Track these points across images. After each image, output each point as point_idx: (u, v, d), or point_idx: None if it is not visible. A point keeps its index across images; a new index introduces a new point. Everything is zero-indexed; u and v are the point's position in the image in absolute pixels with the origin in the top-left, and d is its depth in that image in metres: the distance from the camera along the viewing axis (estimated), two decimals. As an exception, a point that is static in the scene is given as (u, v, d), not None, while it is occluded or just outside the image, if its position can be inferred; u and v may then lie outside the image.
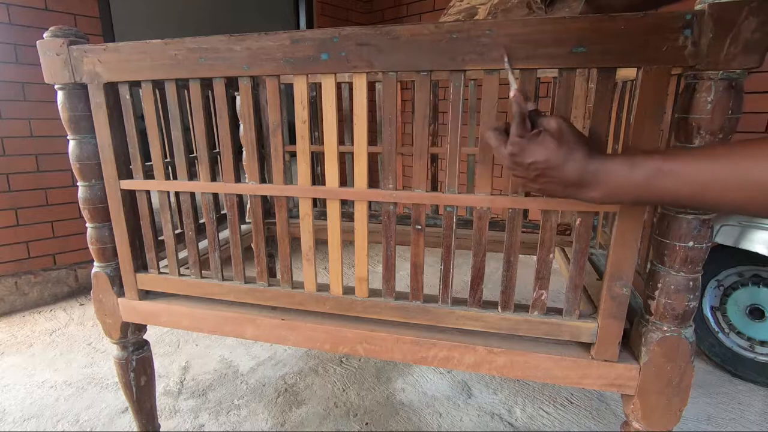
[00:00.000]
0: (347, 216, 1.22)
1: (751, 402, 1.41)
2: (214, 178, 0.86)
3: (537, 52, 0.60)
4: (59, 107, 0.85)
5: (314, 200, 0.82)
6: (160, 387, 1.44)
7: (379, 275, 2.33)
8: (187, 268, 0.93)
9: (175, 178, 0.91)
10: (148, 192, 0.90)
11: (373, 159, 1.24)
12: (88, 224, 0.92)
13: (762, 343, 1.49)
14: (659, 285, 0.65)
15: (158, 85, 0.85)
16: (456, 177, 0.72)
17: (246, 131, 0.80)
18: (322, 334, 0.85)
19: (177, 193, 0.94)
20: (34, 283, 2.08)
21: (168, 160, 1.01)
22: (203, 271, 0.92)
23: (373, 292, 0.83)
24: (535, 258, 0.73)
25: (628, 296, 0.67)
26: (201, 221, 0.96)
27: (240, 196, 0.93)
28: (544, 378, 0.75)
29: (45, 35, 0.81)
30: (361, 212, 0.78)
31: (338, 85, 0.84)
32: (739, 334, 1.53)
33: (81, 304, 2.12)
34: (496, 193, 0.69)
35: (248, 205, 1.44)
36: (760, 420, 1.33)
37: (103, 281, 0.94)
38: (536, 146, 0.54)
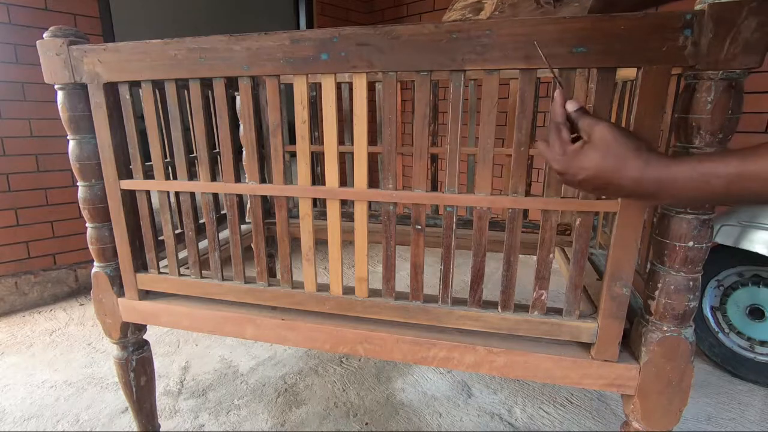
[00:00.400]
0: (347, 216, 1.22)
1: (751, 402, 1.41)
2: (214, 178, 0.86)
3: (537, 52, 0.60)
4: (59, 107, 0.85)
5: (314, 200, 0.82)
6: (160, 387, 1.44)
7: (379, 275, 2.33)
8: (187, 268, 0.93)
9: (175, 178, 0.91)
10: (148, 192, 0.90)
11: (373, 159, 1.24)
12: (88, 224, 0.92)
13: (762, 343, 1.48)
14: (659, 285, 0.65)
15: (158, 85, 0.85)
16: (456, 177, 0.72)
17: (246, 131, 0.80)
18: (322, 334, 0.85)
19: (177, 193, 0.94)
20: (34, 283, 2.08)
21: (168, 160, 1.01)
22: (203, 271, 0.92)
23: (373, 292, 0.83)
24: (535, 258, 0.73)
25: (628, 296, 0.67)
26: (201, 221, 0.96)
27: (240, 196, 0.93)
28: (544, 378, 0.75)
29: (45, 35, 0.81)
30: (361, 212, 0.78)
31: (338, 85, 0.84)
32: (739, 334, 1.53)
33: (81, 304, 2.12)
34: (496, 193, 0.69)
35: (248, 205, 1.44)
36: (760, 420, 1.33)
37: (103, 281, 0.94)
38: (582, 160, 0.50)
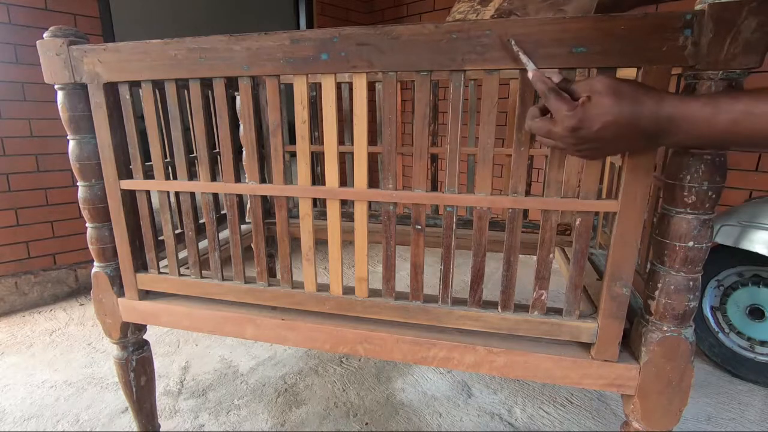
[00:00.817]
0: (347, 216, 1.22)
1: (751, 402, 1.41)
2: (214, 178, 0.86)
3: (537, 52, 0.60)
4: (59, 107, 0.85)
5: (314, 200, 0.82)
6: (160, 387, 1.44)
7: (379, 275, 2.33)
8: (187, 268, 0.93)
9: (175, 178, 0.91)
10: (148, 192, 0.90)
11: (373, 159, 1.24)
12: (88, 224, 0.92)
13: (762, 343, 1.48)
14: (659, 285, 0.65)
15: (158, 85, 0.85)
16: (456, 177, 0.72)
17: (246, 131, 0.80)
18: (322, 334, 0.85)
19: (177, 193, 0.94)
20: (34, 283, 2.08)
21: (168, 160, 1.01)
22: (203, 271, 0.92)
23: (373, 292, 0.83)
24: (535, 258, 0.73)
25: (628, 296, 0.67)
26: (201, 221, 0.96)
27: (240, 196, 0.93)
28: (544, 378, 0.75)
29: (45, 35, 0.81)
30: (361, 212, 0.78)
31: (338, 85, 0.85)
32: (739, 334, 1.53)
33: (81, 304, 2.12)
34: (496, 193, 0.69)
35: (248, 205, 1.44)
36: (760, 420, 1.33)
37: (103, 281, 0.94)
38: (595, 111, 0.48)
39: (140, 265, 0.94)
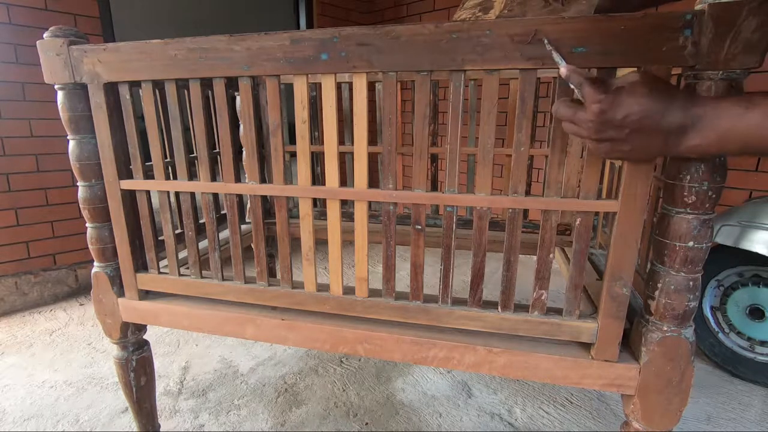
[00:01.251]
0: (347, 216, 1.22)
1: (751, 402, 1.41)
2: (214, 178, 0.86)
3: (537, 52, 0.60)
4: (59, 107, 0.85)
5: (314, 200, 0.82)
6: (160, 387, 1.44)
7: (379, 275, 2.33)
8: (187, 268, 0.93)
9: (175, 178, 0.91)
10: (148, 192, 0.90)
11: (373, 159, 1.24)
12: (88, 224, 0.92)
13: (762, 343, 1.48)
14: (659, 285, 0.65)
15: (158, 85, 0.85)
16: (456, 177, 0.72)
17: (246, 131, 0.80)
18: (322, 334, 0.85)
19: (177, 193, 0.94)
20: (34, 283, 2.08)
21: (168, 160, 1.01)
22: (203, 271, 0.92)
23: (373, 292, 0.83)
24: (535, 258, 0.73)
25: (628, 296, 0.67)
26: (201, 221, 0.96)
27: (240, 196, 0.93)
28: (544, 378, 0.75)
29: (45, 35, 0.81)
30: (361, 212, 0.78)
31: (338, 85, 0.85)
32: (739, 334, 1.53)
33: (81, 304, 2.12)
34: (496, 193, 0.69)
35: (248, 205, 1.44)
36: (760, 420, 1.32)
37: (103, 281, 0.94)
38: (627, 97, 0.49)
39: (140, 265, 0.94)
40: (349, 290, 0.84)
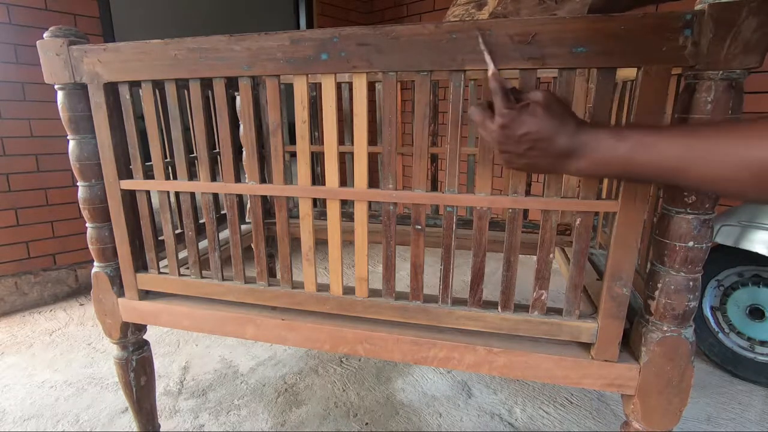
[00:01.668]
0: (347, 216, 1.22)
1: (751, 402, 1.41)
2: (214, 178, 0.86)
3: (537, 52, 0.60)
4: (59, 107, 0.85)
5: (314, 200, 0.82)
6: (160, 387, 1.44)
7: (379, 275, 2.32)
8: (187, 268, 0.93)
9: (175, 178, 0.91)
10: (148, 192, 0.90)
11: (373, 159, 1.24)
12: (88, 224, 0.92)
13: (762, 343, 1.48)
14: (659, 285, 0.65)
15: (158, 85, 0.85)
16: (456, 177, 0.72)
17: (246, 131, 0.80)
18: (322, 334, 0.85)
19: (177, 193, 0.94)
20: (34, 283, 2.08)
21: (168, 160, 1.01)
22: (203, 271, 0.92)
23: (373, 292, 0.83)
24: (535, 258, 0.73)
25: (628, 296, 0.67)
26: (201, 221, 0.96)
27: (240, 196, 0.93)
28: (544, 378, 0.75)
29: (45, 35, 0.81)
30: (361, 212, 0.78)
31: (338, 85, 0.85)
32: (739, 334, 1.53)
33: (81, 304, 2.12)
34: (496, 193, 0.69)
35: (248, 205, 1.44)
36: (760, 420, 1.32)
37: (103, 281, 0.94)
38: (527, 116, 0.53)
39: (140, 265, 0.94)
40: (349, 290, 0.84)
